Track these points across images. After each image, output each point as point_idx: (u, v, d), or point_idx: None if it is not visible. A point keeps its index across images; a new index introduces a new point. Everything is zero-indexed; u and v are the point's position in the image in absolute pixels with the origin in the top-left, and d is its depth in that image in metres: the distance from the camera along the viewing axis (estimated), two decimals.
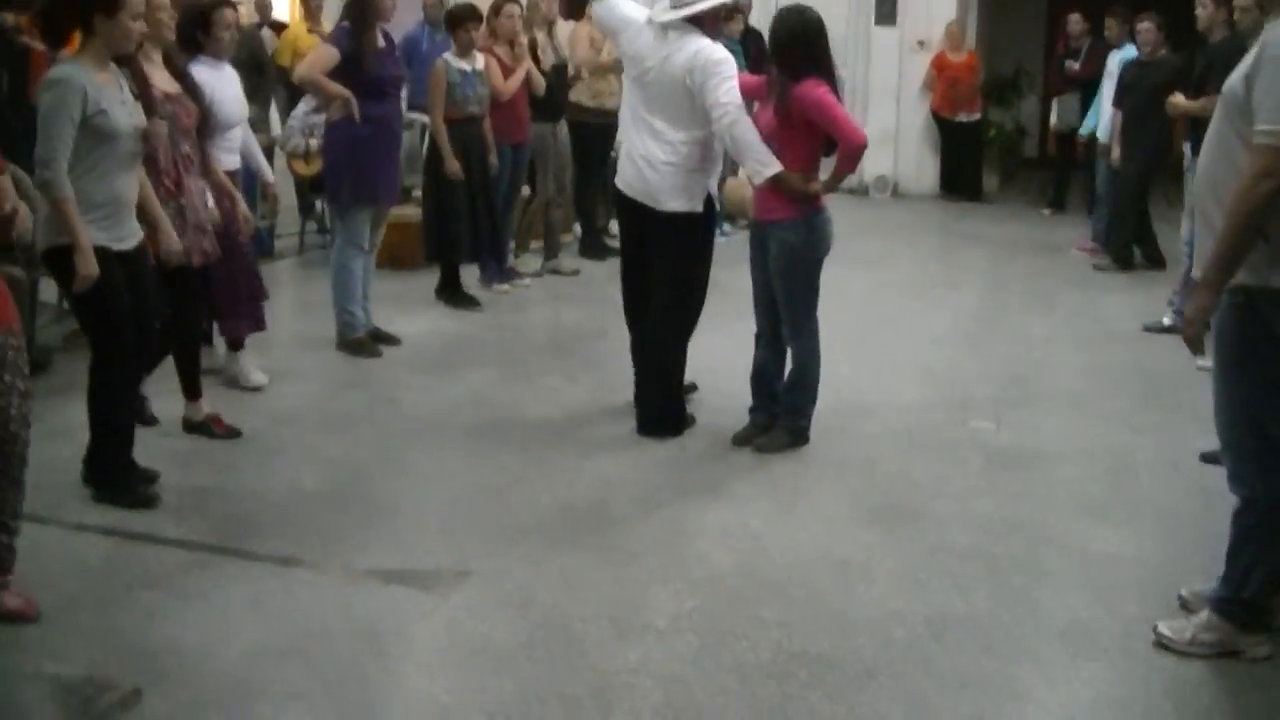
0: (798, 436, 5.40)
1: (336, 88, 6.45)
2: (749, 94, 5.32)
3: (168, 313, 4.81)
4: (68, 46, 4.42)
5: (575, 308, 8.06)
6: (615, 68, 9.20)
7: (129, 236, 4.52)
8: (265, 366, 6.13)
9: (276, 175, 6.80)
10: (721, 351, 6.10)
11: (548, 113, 8.59)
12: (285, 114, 9.05)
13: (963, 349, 7.22)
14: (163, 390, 5.37)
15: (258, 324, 6.03)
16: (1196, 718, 3.39)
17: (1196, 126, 7.32)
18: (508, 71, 7.99)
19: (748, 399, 5.51)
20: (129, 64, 4.56)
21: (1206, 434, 5.56)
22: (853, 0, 13.17)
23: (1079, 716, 3.36)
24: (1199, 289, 3.52)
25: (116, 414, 4.60)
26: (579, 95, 9.25)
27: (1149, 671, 3.60)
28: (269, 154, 7.91)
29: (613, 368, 6.44)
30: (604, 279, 9.00)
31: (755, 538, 4.49)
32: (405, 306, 7.61)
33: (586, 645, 3.68)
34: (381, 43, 6.60)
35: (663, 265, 5.50)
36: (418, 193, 8.43)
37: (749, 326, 5.53)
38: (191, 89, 5.05)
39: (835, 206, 5.44)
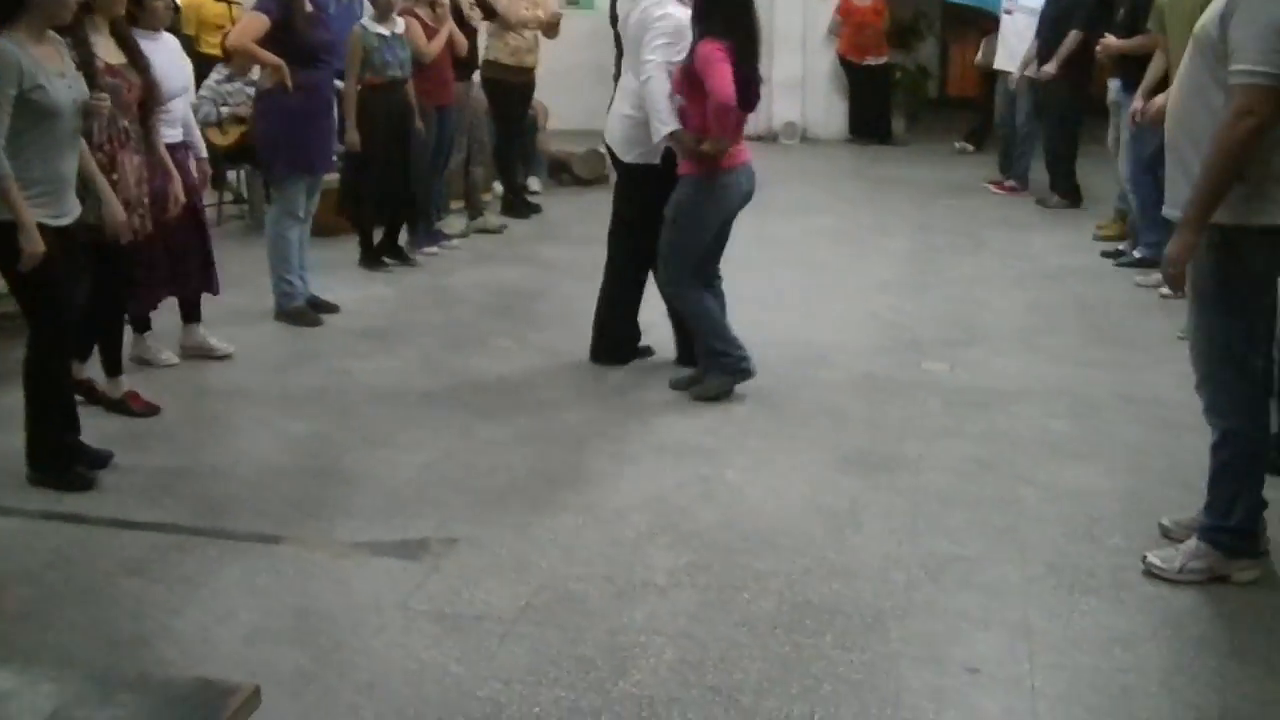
0: (737, 376, 5.39)
1: (270, 56, 6.29)
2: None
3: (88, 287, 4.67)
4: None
5: (507, 267, 7.97)
6: (552, 25, 9.12)
7: (67, 213, 4.38)
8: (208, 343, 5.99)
9: None
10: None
11: (460, 71, 8.44)
12: (196, 84, 8.75)
13: (904, 293, 7.27)
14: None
15: (210, 287, 5.97)
16: (1195, 643, 3.47)
17: (1125, 63, 7.45)
18: (430, 33, 7.83)
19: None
20: (71, 33, 4.38)
21: (1156, 365, 5.75)
22: None
23: (1087, 649, 3.42)
24: (1180, 228, 3.56)
25: (55, 393, 4.47)
26: (497, 53, 9.11)
27: (1144, 600, 3.68)
28: None
29: (559, 328, 6.40)
30: (530, 236, 8.95)
31: (735, 490, 4.49)
32: (337, 273, 7.44)
33: (589, 606, 3.65)
34: (309, 7, 6.42)
35: (616, 207, 5.78)
36: None
37: None
38: (138, 62, 4.86)
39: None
